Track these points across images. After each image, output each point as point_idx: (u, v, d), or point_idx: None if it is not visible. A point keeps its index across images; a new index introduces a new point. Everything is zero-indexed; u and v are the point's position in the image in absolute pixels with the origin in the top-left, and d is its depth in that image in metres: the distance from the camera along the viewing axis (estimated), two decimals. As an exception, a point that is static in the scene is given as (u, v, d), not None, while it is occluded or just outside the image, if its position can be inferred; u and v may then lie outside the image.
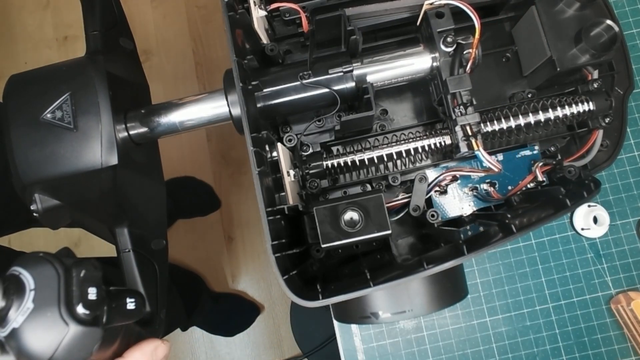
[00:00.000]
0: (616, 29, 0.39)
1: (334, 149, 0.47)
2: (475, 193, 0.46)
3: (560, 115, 0.43)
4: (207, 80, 1.26)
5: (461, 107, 0.39)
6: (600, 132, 0.46)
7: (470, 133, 0.38)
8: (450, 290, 0.43)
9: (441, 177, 0.45)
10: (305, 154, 0.45)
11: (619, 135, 0.48)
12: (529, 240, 0.53)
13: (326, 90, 0.41)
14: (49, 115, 0.38)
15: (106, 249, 0.48)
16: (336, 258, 0.48)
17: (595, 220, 0.51)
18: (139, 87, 0.46)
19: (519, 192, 0.45)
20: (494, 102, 0.47)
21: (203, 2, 1.29)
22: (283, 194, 0.39)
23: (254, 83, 0.41)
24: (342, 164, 0.43)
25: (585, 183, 0.42)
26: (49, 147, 0.37)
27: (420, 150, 0.43)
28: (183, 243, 1.20)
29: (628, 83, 0.48)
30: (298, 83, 0.41)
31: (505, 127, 0.43)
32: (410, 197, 0.45)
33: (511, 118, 0.43)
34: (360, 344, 0.52)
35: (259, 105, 0.42)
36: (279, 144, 0.40)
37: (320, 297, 0.34)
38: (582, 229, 0.52)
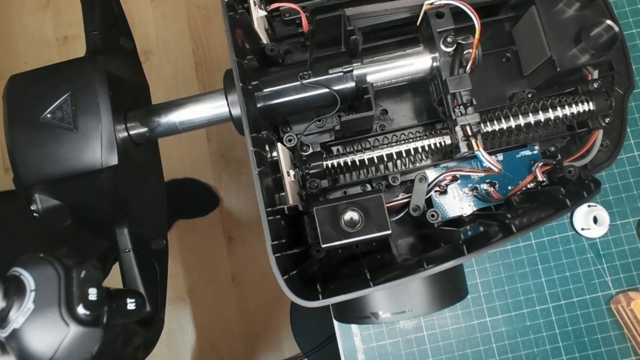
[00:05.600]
0: (616, 29, 0.39)
1: (334, 149, 0.47)
2: (475, 193, 0.46)
3: (560, 115, 0.43)
4: (207, 80, 1.26)
5: (461, 107, 0.39)
6: (600, 132, 0.46)
7: (470, 133, 0.38)
8: (450, 290, 0.43)
9: (441, 177, 0.45)
10: (305, 154, 0.45)
11: (619, 135, 0.48)
12: (529, 240, 0.53)
13: (326, 90, 0.41)
14: (49, 116, 0.38)
15: (106, 249, 0.48)
16: (336, 258, 0.48)
17: (595, 220, 0.51)
18: (139, 87, 0.46)
19: (519, 192, 0.45)
20: (494, 102, 0.47)
21: (203, 2, 1.29)
22: (283, 194, 0.39)
23: (254, 83, 0.41)
24: (342, 164, 0.43)
25: (585, 183, 0.42)
26: (49, 147, 0.37)
27: (420, 150, 0.43)
28: (183, 243, 1.20)
29: (628, 83, 0.48)
30: (298, 83, 0.41)
31: (505, 127, 0.43)
32: (410, 197, 0.45)
33: (511, 118, 0.43)
34: (360, 344, 0.52)
35: (259, 105, 0.42)
36: (279, 144, 0.40)
37: (320, 297, 0.34)
38: (582, 229, 0.52)
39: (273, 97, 0.42)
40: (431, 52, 0.41)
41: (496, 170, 0.40)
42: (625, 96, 0.47)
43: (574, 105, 0.43)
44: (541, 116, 0.43)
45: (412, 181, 0.46)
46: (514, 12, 0.46)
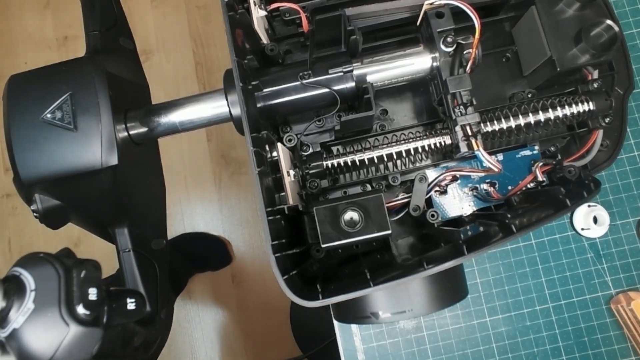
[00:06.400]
0: (616, 29, 0.39)
1: (334, 149, 0.47)
2: (475, 193, 0.46)
3: (560, 115, 0.43)
4: (207, 80, 1.26)
5: (461, 107, 0.39)
6: (600, 132, 0.46)
7: (470, 133, 0.38)
8: (450, 290, 0.43)
9: (441, 177, 0.45)
10: (305, 154, 0.45)
11: (619, 135, 0.48)
12: (529, 240, 0.53)
13: (326, 90, 0.41)
14: (49, 115, 0.38)
15: (106, 249, 0.48)
16: (336, 258, 0.48)
17: (595, 220, 0.51)
18: (139, 87, 0.46)
19: (519, 192, 0.45)
20: (494, 102, 0.47)
21: (203, 2, 1.29)
22: (283, 194, 0.39)
23: (254, 83, 0.41)
24: (342, 164, 0.43)
25: (585, 183, 0.42)
26: (49, 147, 0.37)
27: (420, 150, 0.43)
28: (183, 243, 1.20)
29: (628, 83, 0.48)
30: (298, 83, 0.41)
31: (505, 127, 0.43)
32: (410, 197, 0.45)
33: (511, 118, 0.43)
34: (360, 344, 0.52)
35: (259, 105, 0.42)
36: (279, 144, 0.40)
37: (320, 297, 0.34)
38: (582, 229, 0.52)
39: (273, 97, 0.42)
40: (431, 52, 0.41)
41: (496, 170, 0.40)
42: (625, 96, 0.47)
43: (574, 105, 0.43)
44: (541, 116, 0.43)
45: (412, 181, 0.46)
46: (514, 12, 0.46)
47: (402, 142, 0.43)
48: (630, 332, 0.50)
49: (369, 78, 0.42)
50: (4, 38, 1.32)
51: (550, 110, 0.43)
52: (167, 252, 0.46)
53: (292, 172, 0.40)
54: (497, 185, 0.46)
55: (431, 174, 0.46)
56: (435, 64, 0.41)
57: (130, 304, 0.30)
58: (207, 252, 1.18)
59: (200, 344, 1.17)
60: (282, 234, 0.38)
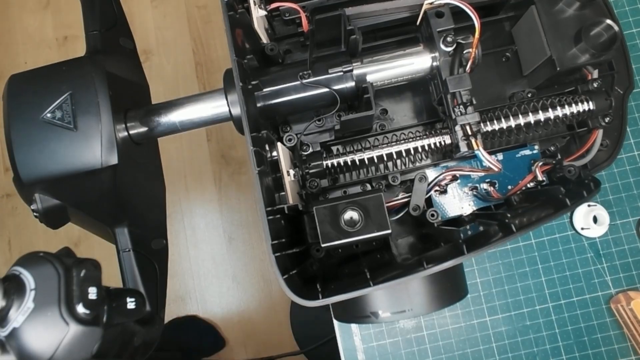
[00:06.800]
0: (616, 28, 0.39)
1: (334, 148, 0.47)
2: (475, 193, 0.46)
3: (560, 115, 0.43)
4: (207, 80, 1.26)
5: (461, 106, 0.39)
6: (600, 132, 0.46)
7: (470, 133, 0.38)
8: (450, 289, 0.43)
9: (441, 177, 0.45)
10: (305, 153, 0.45)
11: (618, 134, 0.48)
12: (528, 239, 0.53)
13: (326, 89, 0.41)
14: (49, 115, 0.38)
15: (106, 249, 0.48)
16: (336, 257, 0.48)
17: (595, 219, 0.51)
18: (139, 87, 0.46)
19: (518, 192, 0.45)
20: (494, 102, 0.47)
21: (203, 2, 1.29)
22: (283, 193, 0.39)
23: (254, 83, 0.41)
24: (342, 164, 0.43)
25: (585, 182, 0.42)
26: (49, 147, 0.37)
27: (420, 149, 0.43)
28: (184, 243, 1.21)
29: (628, 82, 0.48)
30: (298, 83, 0.41)
31: (505, 127, 0.43)
32: (410, 196, 0.45)
33: (511, 118, 0.43)
34: (360, 344, 0.52)
35: (259, 104, 0.42)
36: (279, 144, 0.40)
37: (320, 297, 0.34)
38: (582, 229, 0.52)
39: (273, 97, 0.42)
40: (431, 52, 0.41)
41: (496, 169, 0.40)
42: (625, 96, 0.47)
43: (573, 105, 0.43)
44: (541, 116, 0.43)
45: (412, 181, 0.46)
46: (514, 12, 0.46)
47: (402, 141, 0.43)
48: (630, 332, 0.50)
49: (369, 78, 0.42)
50: (4, 38, 1.32)
51: (550, 109, 0.43)
52: (167, 252, 0.46)
53: (292, 172, 0.40)
54: (497, 185, 0.46)
55: (431, 174, 0.46)
56: (435, 63, 0.41)
57: (130, 304, 0.30)
58: (198, 339, 1.13)
59: (201, 344, 1.17)
60: (282, 233, 0.38)
